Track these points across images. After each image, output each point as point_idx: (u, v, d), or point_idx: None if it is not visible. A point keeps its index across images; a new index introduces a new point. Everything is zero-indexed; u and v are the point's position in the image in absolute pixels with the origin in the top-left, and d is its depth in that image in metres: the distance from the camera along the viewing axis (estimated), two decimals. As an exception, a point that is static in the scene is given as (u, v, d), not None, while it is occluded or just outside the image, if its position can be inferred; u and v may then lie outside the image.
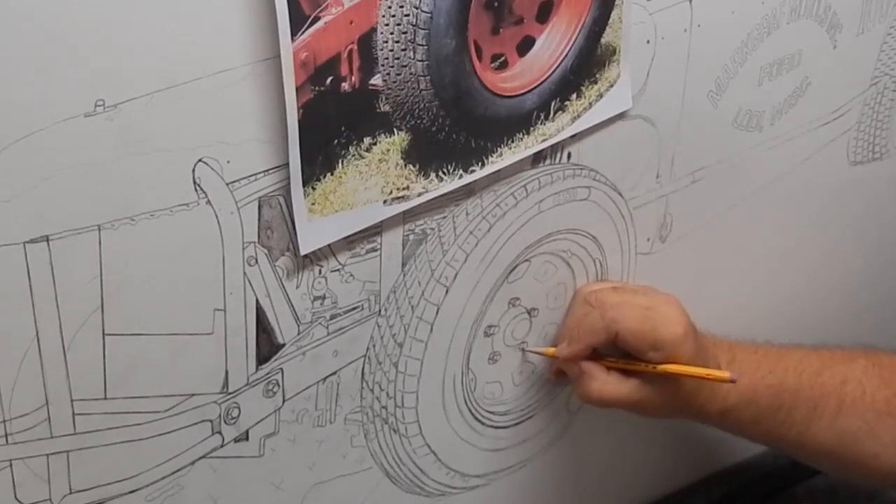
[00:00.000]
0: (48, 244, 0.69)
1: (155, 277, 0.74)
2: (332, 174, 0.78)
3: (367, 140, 0.78)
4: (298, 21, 0.71)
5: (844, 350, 1.07)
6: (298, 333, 0.84)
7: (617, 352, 0.97)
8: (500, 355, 1.00)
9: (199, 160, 0.73)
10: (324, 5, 0.72)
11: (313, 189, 0.77)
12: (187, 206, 0.73)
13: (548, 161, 0.93)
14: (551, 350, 1.00)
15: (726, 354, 1.01)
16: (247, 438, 0.85)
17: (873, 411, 1.02)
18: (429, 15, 0.77)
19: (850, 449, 1.02)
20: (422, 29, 0.77)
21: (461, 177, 0.86)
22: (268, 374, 0.84)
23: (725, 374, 0.96)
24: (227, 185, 0.75)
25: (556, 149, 0.93)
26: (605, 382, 0.96)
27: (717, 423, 1.03)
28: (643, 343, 0.95)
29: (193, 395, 0.80)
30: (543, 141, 0.90)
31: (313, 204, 0.78)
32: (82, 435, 0.75)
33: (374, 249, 0.85)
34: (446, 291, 0.92)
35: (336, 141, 0.77)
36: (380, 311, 0.89)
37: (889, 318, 1.37)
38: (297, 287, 0.82)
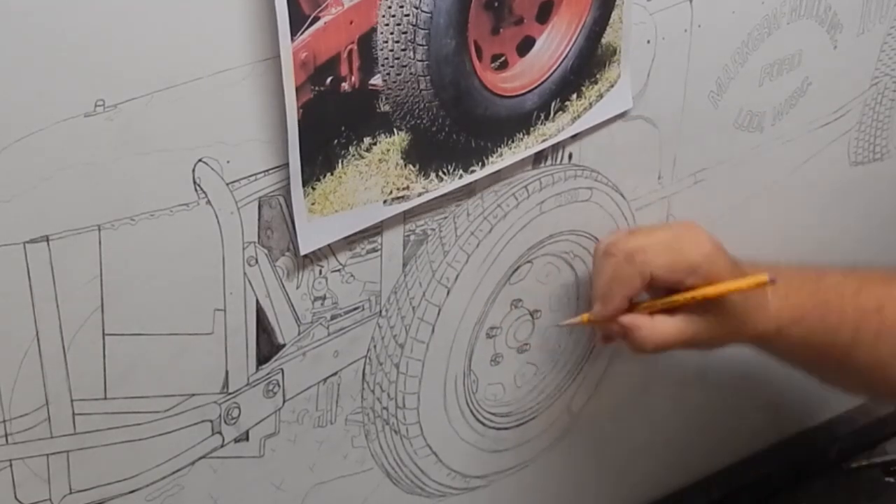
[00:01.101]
0: (48, 244, 0.69)
1: (155, 277, 0.74)
2: (332, 174, 0.78)
3: (367, 140, 0.78)
4: (298, 21, 0.71)
5: (880, 272, 1.02)
6: (299, 334, 0.84)
7: (652, 294, 0.94)
8: (502, 357, 1.00)
9: (199, 160, 0.73)
10: (324, 5, 0.72)
11: (313, 189, 0.77)
12: (187, 206, 0.73)
13: (549, 161, 0.93)
14: (585, 316, 0.96)
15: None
16: (247, 439, 0.85)
17: None
18: (429, 15, 0.77)
19: (888, 373, 0.99)
20: (422, 29, 0.77)
21: (461, 177, 0.86)
22: (268, 374, 0.84)
23: (763, 277, 0.91)
24: (227, 185, 0.75)
25: (557, 149, 0.93)
26: (652, 329, 0.93)
27: (770, 345, 0.99)
28: (678, 273, 0.92)
29: (193, 395, 0.80)
30: (544, 141, 0.90)
31: (313, 204, 0.78)
32: (82, 435, 0.75)
33: (374, 250, 0.85)
34: (448, 292, 0.92)
35: (336, 141, 0.77)
36: (381, 311, 0.89)
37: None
38: (298, 287, 0.82)
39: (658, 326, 0.93)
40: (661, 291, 0.94)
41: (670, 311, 0.93)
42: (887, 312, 0.99)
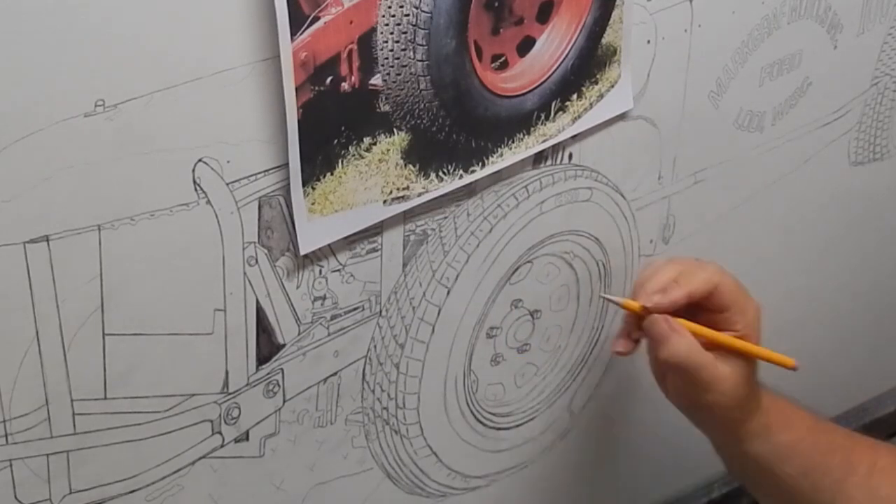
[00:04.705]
0: (48, 244, 0.69)
1: (155, 277, 0.74)
2: (331, 174, 0.78)
3: (367, 140, 0.78)
4: (298, 21, 0.71)
5: None
6: (299, 334, 0.84)
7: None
8: (502, 357, 1.00)
9: (199, 160, 0.73)
10: (324, 5, 0.72)
11: (313, 189, 0.77)
12: (187, 206, 0.73)
13: (549, 162, 0.93)
14: (636, 303, 0.93)
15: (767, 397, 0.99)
16: (247, 439, 0.85)
17: None
18: (429, 15, 0.77)
19: None
20: (422, 29, 0.77)
21: (461, 177, 0.86)
22: (268, 374, 0.84)
23: (791, 361, 0.93)
24: (227, 185, 0.75)
25: (557, 149, 0.93)
26: (693, 344, 0.92)
27: (753, 448, 0.99)
28: (737, 303, 0.93)
29: (193, 395, 0.80)
30: (544, 141, 0.90)
31: (313, 204, 0.78)
32: (82, 435, 0.75)
33: (374, 250, 0.85)
34: (448, 292, 0.92)
35: (336, 141, 0.77)
36: (381, 311, 0.89)
37: (889, 318, 1.37)
38: (298, 287, 0.82)
39: (696, 347, 0.92)
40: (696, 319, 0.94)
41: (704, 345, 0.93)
42: (882, 451, 0.99)
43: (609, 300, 0.98)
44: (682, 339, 0.92)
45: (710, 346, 0.93)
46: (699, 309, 0.94)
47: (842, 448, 0.99)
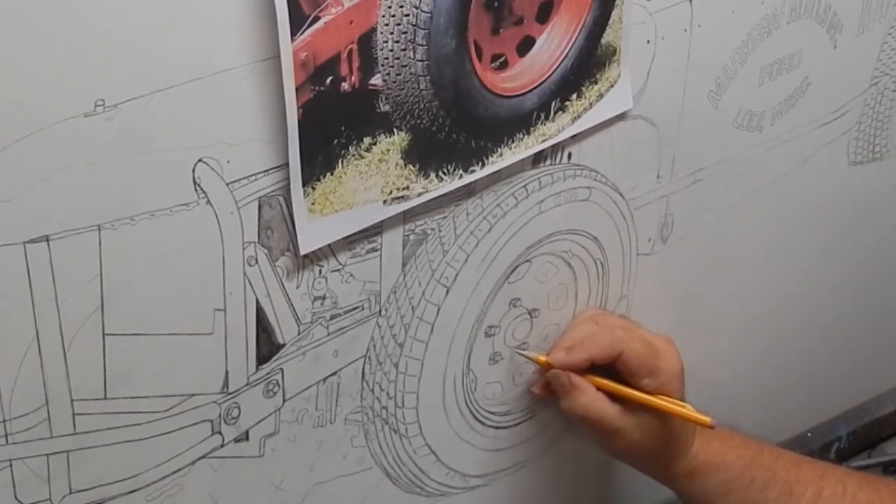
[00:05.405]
0: (48, 244, 0.69)
1: (155, 277, 0.74)
2: (332, 174, 0.78)
3: (367, 140, 0.78)
4: (298, 21, 0.71)
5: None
6: (298, 333, 0.84)
7: (606, 377, 0.97)
8: (500, 356, 1.00)
9: (199, 160, 0.73)
10: (324, 5, 0.72)
11: (313, 189, 0.77)
12: (187, 206, 0.73)
13: (548, 161, 0.93)
14: (543, 358, 0.99)
15: None
16: (247, 438, 0.85)
17: None
18: (429, 15, 0.77)
19: None
20: (422, 29, 0.77)
21: (461, 177, 0.86)
22: (268, 374, 0.84)
23: (707, 418, 0.95)
24: (227, 185, 0.75)
25: (556, 149, 0.93)
26: (593, 399, 0.96)
27: (684, 487, 1.02)
28: (644, 367, 0.96)
29: (193, 395, 0.80)
30: (544, 141, 0.90)
31: (313, 204, 0.78)
32: (82, 435, 0.75)
33: (374, 249, 0.85)
34: (447, 292, 0.92)
35: (336, 141, 0.77)
36: (380, 311, 0.89)
37: (889, 319, 1.37)
38: (298, 287, 0.82)
39: (598, 400, 0.96)
40: (612, 377, 0.97)
41: (613, 398, 0.97)
42: (828, 483, 1.00)
43: (521, 355, 1.01)
44: (581, 394, 0.96)
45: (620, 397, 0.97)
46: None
47: (782, 482, 1.01)
